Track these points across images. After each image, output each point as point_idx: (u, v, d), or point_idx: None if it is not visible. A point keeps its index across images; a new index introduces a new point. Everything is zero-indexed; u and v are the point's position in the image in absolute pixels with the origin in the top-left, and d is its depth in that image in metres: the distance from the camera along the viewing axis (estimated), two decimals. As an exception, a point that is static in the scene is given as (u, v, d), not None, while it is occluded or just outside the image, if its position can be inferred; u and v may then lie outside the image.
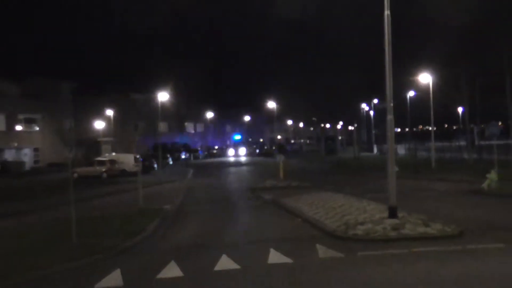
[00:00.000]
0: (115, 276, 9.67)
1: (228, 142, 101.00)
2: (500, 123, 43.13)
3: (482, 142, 43.95)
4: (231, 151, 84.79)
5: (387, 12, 13.10)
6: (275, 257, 10.64)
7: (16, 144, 55.55)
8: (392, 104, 13.54)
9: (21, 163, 53.84)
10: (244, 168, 50.81)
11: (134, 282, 9.36)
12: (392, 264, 9.71)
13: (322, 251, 11.04)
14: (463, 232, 12.18)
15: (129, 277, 9.61)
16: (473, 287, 8.07)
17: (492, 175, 21.37)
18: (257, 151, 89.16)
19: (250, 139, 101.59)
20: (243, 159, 72.91)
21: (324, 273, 9.42)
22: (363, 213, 14.74)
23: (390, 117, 13.59)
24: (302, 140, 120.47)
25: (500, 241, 11.16)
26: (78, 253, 11.47)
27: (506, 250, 10.49)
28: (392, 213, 13.34)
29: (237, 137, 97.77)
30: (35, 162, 57.35)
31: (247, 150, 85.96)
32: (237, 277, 9.40)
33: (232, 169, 49.72)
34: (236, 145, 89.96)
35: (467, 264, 9.50)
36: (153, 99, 56.95)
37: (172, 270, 9.92)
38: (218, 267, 10.06)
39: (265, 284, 8.84)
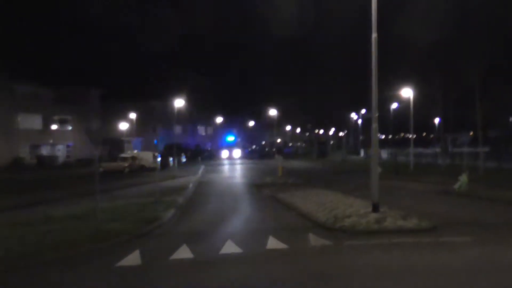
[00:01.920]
0: (134, 257, 9.71)
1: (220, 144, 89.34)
2: (471, 133, 43.11)
3: (455, 149, 43.92)
4: (224, 153, 71.59)
5: (374, 35, 13.12)
6: (273, 243, 10.66)
7: (51, 141, 55.69)
8: (376, 115, 13.55)
9: (54, 158, 53.93)
10: (247, 166, 50.71)
11: (151, 262, 9.37)
12: (373, 252, 9.73)
13: (314, 239, 11.06)
14: (436, 227, 12.16)
15: (146, 257, 9.63)
16: (442, 273, 8.06)
17: (464, 178, 21.32)
18: (246, 151, 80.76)
19: (239, 140, 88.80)
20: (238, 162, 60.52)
21: (315, 257, 9.45)
22: (349, 208, 14.71)
23: (374, 125, 13.61)
24: (298, 144, 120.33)
25: (468, 235, 11.15)
26: (102, 236, 11.51)
27: (473, 243, 10.47)
28: (375, 208, 13.34)
29: (230, 138, 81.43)
30: (67, 157, 57.43)
31: (241, 152, 74.04)
32: (240, 259, 9.43)
33: (237, 167, 49.69)
34: (229, 146, 75.58)
35: (438, 254, 9.50)
36: (170, 105, 57.01)
37: (183, 252, 9.96)
38: (224, 250, 10.10)
39: (264, 265, 8.86)
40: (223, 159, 65.96)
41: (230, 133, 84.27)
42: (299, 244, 10.58)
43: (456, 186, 21.28)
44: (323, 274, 8.16)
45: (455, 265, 8.65)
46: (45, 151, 55.00)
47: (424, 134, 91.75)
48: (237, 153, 71.54)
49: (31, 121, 53.82)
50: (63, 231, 12.01)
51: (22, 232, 11.91)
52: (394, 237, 11.06)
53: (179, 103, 45.70)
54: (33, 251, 9.99)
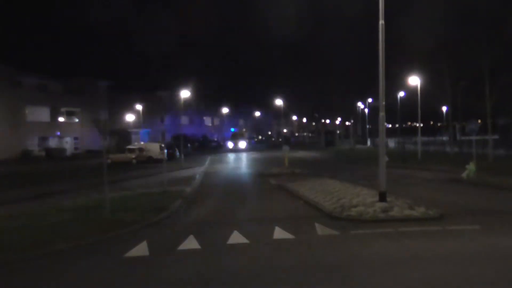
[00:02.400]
0: (142, 247, 9.78)
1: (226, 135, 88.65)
2: (479, 121, 42.81)
3: (463, 137, 43.64)
4: (229, 144, 70.01)
5: (381, 21, 13.00)
6: (279, 233, 10.67)
7: (58, 133, 56.00)
8: (384, 103, 13.46)
9: (62, 150, 54.23)
10: (253, 157, 50.69)
11: (159, 252, 9.44)
12: (380, 241, 9.73)
13: (320, 229, 11.07)
14: (443, 215, 12.13)
15: (154, 248, 9.70)
16: (448, 261, 8.04)
17: (471, 166, 21.23)
18: (252, 142, 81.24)
19: (244, 130, 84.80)
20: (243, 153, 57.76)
21: (322, 247, 9.46)
22: (356, 197, 14.70)
23: (382, 114, 13.53)
24: (305, 134, 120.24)
25: (476, 223, 11.12)
26: (110, 226, 11.61)
27: (480, 231, 10.44)
28: (382, 198, 13.31)
29: (235, 129, 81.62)
30: (75, 149, 57.79)
31: (247, 143, 71.37)
32: (247, 250, 9.46)
33: (244, 157, 49.70)
34: (234, 137, 72.49)
35: (446, 243, 9.48)
36: (176, 96, 57.04)
37: (191, 243, 10.01)
38: (230, 241, 10.13)
39: (271, 256, 8.89)
40: (229, 150, 64.95)
41: (235, 123, 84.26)
42: (306, 234, 10.59)
43: (464, 174, 21.19)
44: (330, 264, 8.18)
45: (462, 253, 8.63)
46: (52, 143, 55.32)
47: (432, 122, 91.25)
48: (243, 144, 68.58)
49: (39, 113, 54.08)
50: (73, 222, 12.15)
51: (33, 223, 12.06)
52: (401, 226, 11.04)
53: (185, 93, 45.77)
54: (45, 241, 10.11)
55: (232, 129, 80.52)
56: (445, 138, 50.56)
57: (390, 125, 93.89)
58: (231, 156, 51.70)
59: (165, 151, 35.68)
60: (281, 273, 7.60)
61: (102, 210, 13.26)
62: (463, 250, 8.88)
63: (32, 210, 14.56)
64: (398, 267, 7.84)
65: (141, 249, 9.63)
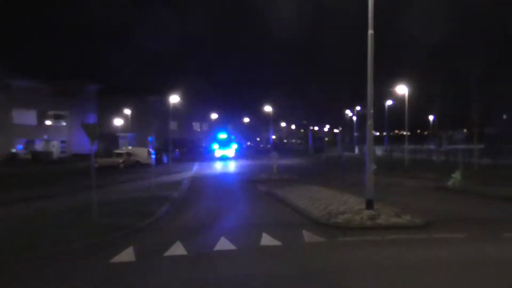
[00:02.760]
0: (128, 253, 9.71)
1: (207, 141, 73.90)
2: (465, 130, 43.29)
3: (449, 147, 44.10)
4: (217, 152, 54.75)
5: (370, 31, 13.12)
6: (266, 240, 10.65)
7: (46, 137, 55.50)
8: (372, 111, 13.57)
9: (49, 153, 53.77)
10: (241, 163, 50.62)
11: (145, 258, 9.36)
12: (367, 248, 9.77)
13: (308, 236, 11.08)
14: (429, 223, 12.23)
15: (140, 254, 9.63)
16: (434, 269, 8.11)
17: (457, 175, 21.44)
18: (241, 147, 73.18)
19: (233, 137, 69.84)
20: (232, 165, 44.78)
21: (309, 254, 9.47)
22: (344, 204, 14.75)
23: (369, 122, 13.64)
24: (293, 140, 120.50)
25: (461, 232, 11.21)
26: (97, 231, 11.52)
27: (466, 239, 10.54)
28: (369, 205, 13.37)
29: (222, 135, 59.22)
30: (62, 152, 57.32)
31: (235, 150, 58.78)
32: (234, 256, 9.44)
33: (232, 163, 49.58)
34: (221, 143, 56.51)
35: (431, 250, 9.55)
36: (165, 101, 56.89)
37: (177, 249, 9.95)
38: (217, 247, 10.09)
39: (258, 262, 8.88)
40: (214, 158, 52.73)
41: (222, 129, 64.65)
42: (293, 241, 10.60)
43: (449, 183, 21.38)
44: (316, 270, 8.19)
45: (447, 260, 8.70)
46: (39, 146, 54.81)
47: (419, 131, 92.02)
48: (231, 152, 55.38)
49: (26, 117, 53.61)
50: (58, 226, 12.03)
51: (18, 227, 11.91)
52: (387, 233, 11.10)
53: (174, 99, 45.74)
54: (29, 245, 9.99)
55: (219, 135, 60.53)
56: (432, 146, 51.03)
57: (378, 133, 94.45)
58: (218, 162, 51.49)
59: (153, 156, 35.51)
60: (267, 280, 7.59)
61: (89, 214, 13.15)
62: (448, 257, 8.94)
63: (18, 213, 14.40)
64: (384, 273, 7.88)
65: (127, 255, 9.55)
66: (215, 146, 56.21)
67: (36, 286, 7.73)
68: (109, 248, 10.13)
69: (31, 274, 8.44)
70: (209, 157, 52.77)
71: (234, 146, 58.48)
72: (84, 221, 12.72)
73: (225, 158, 51.92)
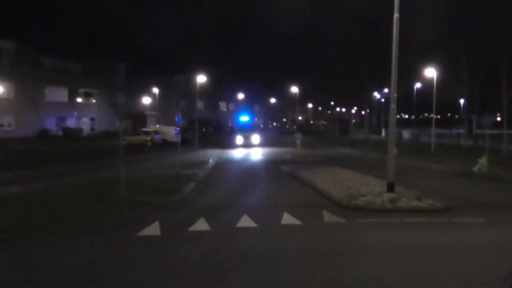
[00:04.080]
0: (154, 227, 10.16)
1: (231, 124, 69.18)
2: (498, 115, 42.34)
3: (479, 131, 43.24)
4: (239, 138, 45.30)
5: (396, 15, 13.08)
6: (287, 219, 10.95)
7: (76, 114, 56.86)
8: (395, 95, 13.58)
9: (80, 130, 55.04)
10: (267, 143, 50.85)
11: (170, 232, 9.79)
12: (386, 230, 9.97)
13: (328, 216, 11.34)
14: (450, 207, 12.29)
15: (166, 228, 10.06)
16: (451, 251, 8.26)
17: (483, 160, 21.26)
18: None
19: (257, 120, 65.96)
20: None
21: (328, 234, 9.74)
22: (365, 187, 14.91)
23: (393, 106, 13.66)
24: (320, 122, 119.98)
25: (481, 217, 11.26)
26: (124, 206, 12.02)
27: (486, 225, 10.61)
28: (390, 188, 13.52)
29: (244, 118, 51.08)
30: (91, 129, 58.63)
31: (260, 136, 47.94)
32: (255, 233, 9.78)
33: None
34: (243, 129, 47.48)
35: (450, 234, 9.68)
36: (192, 80, 57.38)
37: (201, 225, 10.36)
38: (240, 224, 10.46)
39: (278, 240, 9.19)
40: (238, 146, 43.74)
41: (245, 111, 57.07)
42: (313, 221, 10.86)
43: (475, 168, 21.22)
44: (334, 249, 8.46)
45: (465, 244, 8.83)
46: (70, 123, 56.21)
47: (449, 114, 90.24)
48: (256, 138, 45.75)
49: (58, 94, 54.87)
50: (89, 201, 12.55)
51: (52, 200, 12.49)
52: (407, 216, 11.25)
53: (201, 78, 46.11)
54: (62, 218, 10.52)
55: (241, 116, 52.30)
56: (461, 130, 50.20)
57: (406, 116, 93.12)
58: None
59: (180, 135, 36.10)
60: (286, 257, 7.89)
61: (117, 190, 13.67)
62: (466, 241, 9.07)
63: (49, 188, 15.03)
64: (401, 255, 8.09)
65: (153, 229, 10.01)
66: (237, 130, 48.04)
67: (67, 255, 8.23)
68: (135, 223, 10.59)
69: (67, 243, 8.96)
70: (232, 142, 44.69)
71: (260, 130, 49.06)
72: (112, 196, 13.22)
73: (250, 145, 43.57)
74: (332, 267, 7.36)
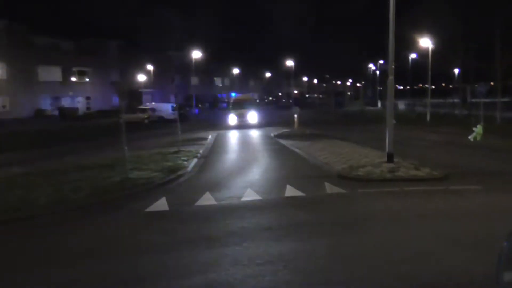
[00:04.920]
0: (162, 203, 10.45)
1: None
2: (492, 83, 42.67)
3: (473, 100, 43.58)
4: (231, 118, 37.00)
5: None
6: (290, 191, 11.25)
7: (71, 93, 56.64)
8: (393, 66, 13.76)
9: (75, 109, 54.96)
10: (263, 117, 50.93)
11: (177, 207, 10.09)
12: (386, 199, 10.31)
13: (329, 187, 11.64)
14: (448, 175, 12.61)
15: (173, 204, 10.35)
16: (449, 217, 8.60)
17: (478, 129, 21.59)
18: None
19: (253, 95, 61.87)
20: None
21: (330, 203, 10.09)
22: (364, 158, 15.23)
23: (391, 77, 13.86)
24: (315, 95, 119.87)
25: (478, 184, 11.58)
26: (130, 183, 12.27)
27: (482, 191, 10.93)
28: (389, 159, 13.83)
29: (239, 99, 44.07)
30: (87, 108, 58.56)
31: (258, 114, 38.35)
32: (260, 205, 10.07)
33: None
34: (238, 106, 38.92)
35: (448, 200, 10.02)
36: (187, 56, 57.08)
37: (207, 199, 10.65)
38: (244, 198, 10.75)
39: (283, 211, 9.49)
40: (230, 126, 35.91)
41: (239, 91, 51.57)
42: (315, 192, 11.17)
43: (471, 136, 21.56)
44: (336, 218, 8.80)
45: (463, 210, 9.18)
46: (65, 103, 56.07)
47: (444, 84, 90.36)
48: (252, 116, 37.09)
49: (51, 73, 54.56)
50: (94, 179, 12.78)
51: (56, 181, 12.70)
52: (406, 185, 11.57)
53: (196, 54, 45.96)
54: (67, 197, 10.77)
55: (233, 94, 49.55)
56: (455, 100, 50.48)
57: (401, 87, 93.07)
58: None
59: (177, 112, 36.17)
60: (290, 227, 8.20)
61: (121, 168, 13.89)
62: (464, 207, 9.43)
63: (53, 168, 15.22)
64: (401, 222, 8.42)
65: (160, 205, 10.30)
66: (229, 108, 39.97)
67: (79, 232, 8.51)
68: (142, 199, 10.87)
69: (76, 222, 9.25)
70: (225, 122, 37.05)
71: (255, 107, 39.17)
72: (117, 174, 13.43)
73: (245, 125, 35.28)
74: (335, 235, 7.69)
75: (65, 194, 11.01)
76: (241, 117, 36.18)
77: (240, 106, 37.75)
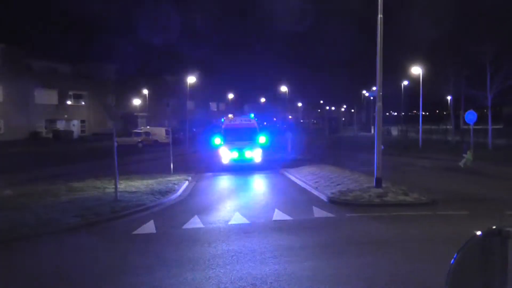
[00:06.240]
0: (149, 226, 10.49)
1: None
2: (485, 110, 43.17)
3: (465, 126, 43.98)
4: (223, 152, 23.06)
5: (380, 15, 13.50)
6: (278, 215, 11.34)
7: (66, 116, 56.78)
8: (381, 93, 14.01)
9: (70, 132, 55.04)
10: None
11: (165, 230, 10.12)
12: (373, 223, 10.38)
13: (317, 211, 11.72)
14: (436, 201, 12.73)
15: (160, 227, 10.39)
16: (434, 241, 8.68)
17: (468, 155, 21.79)
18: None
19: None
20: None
21: (317, 227, 10.13)
22: (353, 183, 15.33)
23: (379, 104, 14.09)
24: (312, 120, 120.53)
25: (465, 209, 11.69)
26: (119, 206, 12.31)
27: (469, 216, 11.03)
28: (378, 184, 13.95)
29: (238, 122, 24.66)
30: (82, 131, 58.63)
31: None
32: (247, 229, 10.11)
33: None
34: (232, 135, 23.50)
35: (434, 225, 10.10)
36: (182, 80, 57.50)
37: (195, 222, 10.70)
38: (232, 221, 10.79)
39: (269, 234, 9.53)
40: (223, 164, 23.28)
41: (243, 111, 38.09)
42: (303, 216, 11.25)
43: (461, 163, 21.74)
44: (321, 242, 8.84)
45: (448, 234, 9.25)
46: (60, 125, 56.15)
47: (437, 111, 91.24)
48: (255, 153, 23.33)
49: (47, 96, 54.78)
50: (84, 201, 12.84)
51: (47, 202, 12.75)
52: (394, 210, 11.67)
53: (191, 79, 46.39)
54: (58, 218, 10.79)
55: (227, 117, 25.88)
56: (448, 126, 50.92)
57: (396, 113, 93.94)
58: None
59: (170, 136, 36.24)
60: (275, 251, 8.24)
61: (111, 191, 13.94)
62: (448, 231, 9.49)
63: (44, 190, 15.23)
64: (386, 245, 8.49)
65: (148, 228, 10.33)
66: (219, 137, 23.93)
67: (66, 253, 8.52)
68: (131, 222, 10.92)
69: (64, 243, 9.25)
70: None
71: (262, 139, 24.15)
72: (107, 196, 13.51)
73: (245, 160, 23.27)
74: (319, 258, 7.74)
75: (55, 215, 11.02)
76: (240, 151, 23.09)
77: (236, 136, 23.40)
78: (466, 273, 2.36)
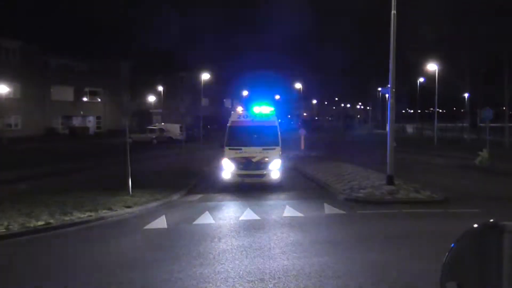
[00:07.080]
0: (161, 221, 10.64)
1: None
2: (502, 108, 42.60)
3: (482, 124, 43.46)
4: (227, 166, 15.30)
5: (393, 11, 13.45)
6: (289, 212, 11.39)
7: (82, 113, 57.45)
8: (394, 90, 13.99)
9: (86, 129, 55.65)
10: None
11: (176, 225, 10.27)
12: (383, 220, 10.40)
13: (328, 208, 11.76)
14: (448, 199, 12.70)
15: (172, 222, 10.54)
16: (443, 238, 8.61)
17: (484, 153, 21.55)
18: None
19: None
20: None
21: (327, 224, 10.18)
22: (366, 180, 15.32)
23: (392, 101, 14.08)
24: (327, 117, 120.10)
25: (477, 207, 11.62)
26: (132, 201, 12.49)
27: (480, 214, 10.94)
28: (390, 181, 13.93)
29: (260, 108, 16.54)
30: (97, 128, 59.23)
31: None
32: (257, 225, 10.20)
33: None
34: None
35: (445, 223, 10.07)
36: (197, 77, 57.76)
37: (206, 218, 10.82)
38: (243, 217, 10.90)
39: (279, 230, 9.61)
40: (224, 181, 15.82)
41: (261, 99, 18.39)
42: (314, 213, 11.30)
43: (477, 161, 21.52)
44: (333, 239, 8.88)
45: (458, 232, 9.19)
46: (76, 122, 56.84)
47: (455, 108, 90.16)
48: (275, 166, 15.21)
49: (64, 93, 55.45)
50: (97, 197, 13.03)
51: (62, 197, 12.99)
52: (405, 207, 11.68)
53: (205, 76, 46.60)
54: (71, 213, 11.00)
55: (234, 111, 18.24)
56: (465, 124, 50.38)
57: (412, 111, 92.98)
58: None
59: (185, 132, 36.50)
60: (285, 247, 8.31)
61: (125, 186, 14.11)
62: (458, 229, 9.43)
63: (61, 184, 15.52)
64: (395, 242, 8.50)
65: (159, 223, 10.48)
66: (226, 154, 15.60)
67: (81, 247, 8.71)
68: (143, 217, 11.10)
69: (80, 237, 9.45)
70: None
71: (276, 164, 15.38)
72: (120, 192, 13.70)
73: (256, 176, 15.31)
74: (328, 254, 7.78)
75: (68, 210, 11.23)
76: (248, 166, 15.36)
77: (246, 139, 15.93)
78: (461, 264, 2.42)
